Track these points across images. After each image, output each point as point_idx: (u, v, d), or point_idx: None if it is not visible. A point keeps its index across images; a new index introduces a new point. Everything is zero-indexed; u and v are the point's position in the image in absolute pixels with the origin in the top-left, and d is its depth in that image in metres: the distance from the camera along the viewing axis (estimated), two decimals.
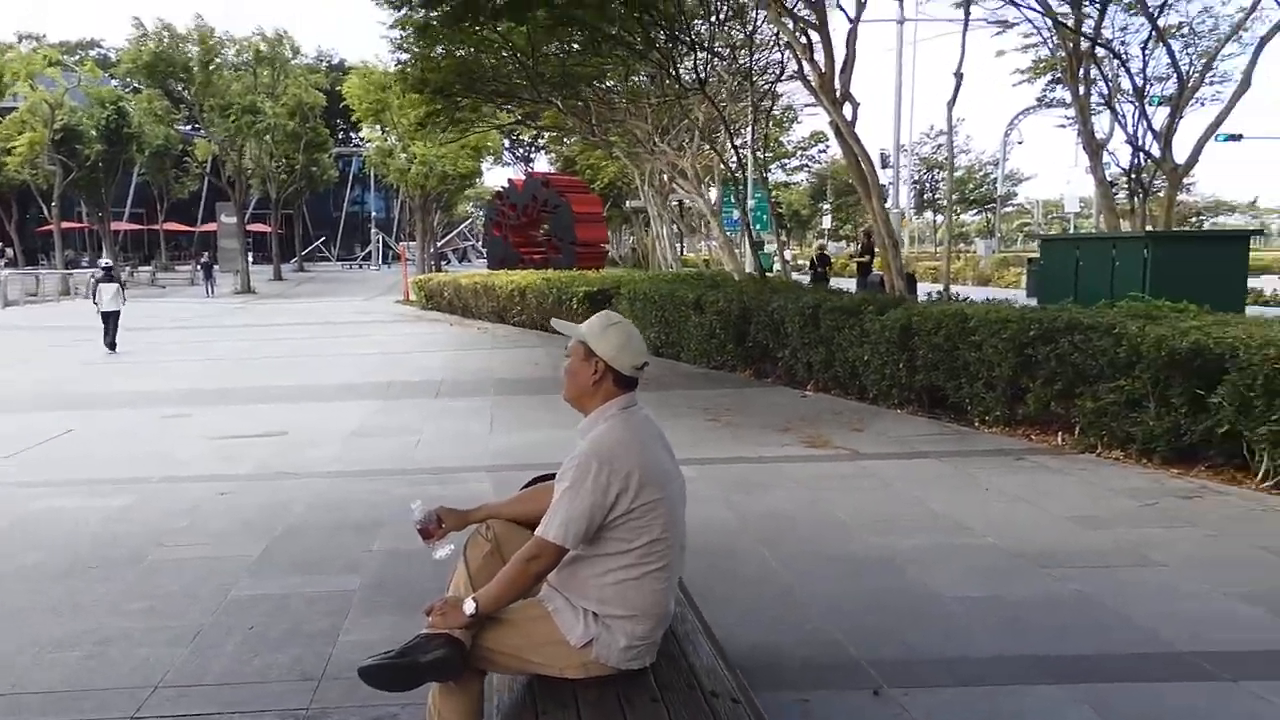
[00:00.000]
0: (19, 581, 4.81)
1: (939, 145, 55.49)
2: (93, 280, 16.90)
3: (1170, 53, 16.02)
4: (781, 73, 18.61)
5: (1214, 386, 6.36)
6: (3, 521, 5.87)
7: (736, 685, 2.53)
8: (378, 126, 37.23)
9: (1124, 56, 16.56)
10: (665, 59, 16.81)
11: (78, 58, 49.82)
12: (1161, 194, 16.86)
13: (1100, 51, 16.07)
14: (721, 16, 17.24)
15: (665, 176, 24.92)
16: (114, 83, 42.49)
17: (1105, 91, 16.52)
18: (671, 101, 19.45)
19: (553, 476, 3.07)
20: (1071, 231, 51.51)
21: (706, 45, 16.57)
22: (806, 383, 10.38)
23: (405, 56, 19.60)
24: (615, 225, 44.73)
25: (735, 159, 17.97)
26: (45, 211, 42.74)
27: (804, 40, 12.69)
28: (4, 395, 11.28)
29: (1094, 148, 16.18)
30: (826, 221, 61.08)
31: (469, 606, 2.52)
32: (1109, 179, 17.01)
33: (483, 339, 16.79)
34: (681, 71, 17.15)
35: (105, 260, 20.78)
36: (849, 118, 12.03)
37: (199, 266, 37.87)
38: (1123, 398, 6.92)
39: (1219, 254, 11.29)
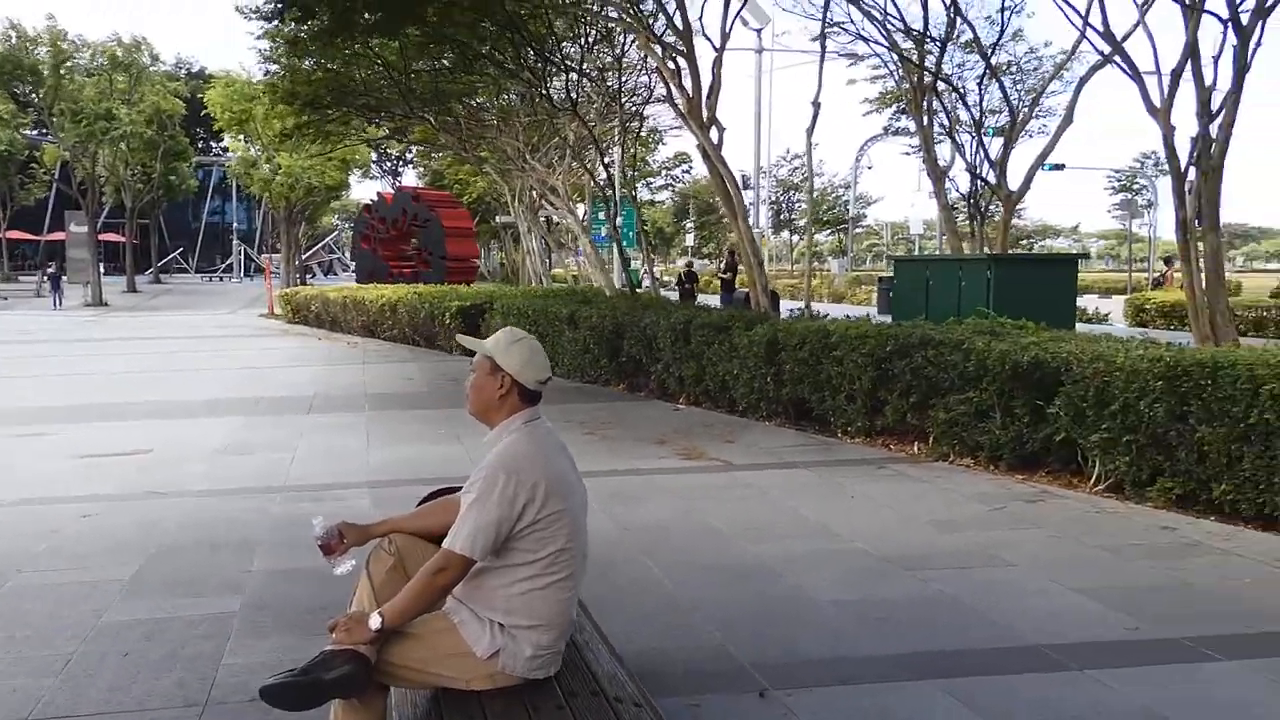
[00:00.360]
0: None
1: (795, 168, 57.50)
2: None
3: (1002, 88, 17.22)
4: (650, 95, 19.02)
5: (1051, 398, 6.90)
6: None
7: (638, 691, 2.66)
8: (241, 136, 35.91)
9: (962, 91, 17.67)
10: (536, 78, 16.95)
11: None
12: (997, 218, 18.06)
13: (941, 85, 17.08)
14: (590, 39, 17.50)
15: (535, 193, 25.00)
16: None
17: (946, 122, 17.56)
18: (542, 120, 19.59)
19: (450, 490, 3.16)
20: (916, 252, 54.24)
21: (576, 67, 16.79)
22: (679, 396, 10.64)
23: (274, 68, 19.13)
24: (484, 240, 44.44)
25: (606, 177, 18.25)
26: None
27: (672, 66, 13.04)
28: None
29: (937, 174, 17.16)
30: (690, 240, 62.31)
31: (374, 621, 2.56)
32: (950, 203, 18.09)
33: (354, 354, 16.44)
34: (552, 91, 17.31)
35: None
36: (715, 141, 12.43)
37: (46, 277, 35.71)
38: (971, 409, 7.42)
39: (1052, 275, 12.20)
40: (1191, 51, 10.59)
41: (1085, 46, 15.81)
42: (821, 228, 65.86)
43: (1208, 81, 10.56)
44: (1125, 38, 11.98)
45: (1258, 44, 10.48)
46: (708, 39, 12.87)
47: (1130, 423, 6.27)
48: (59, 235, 47.00)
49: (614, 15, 15.04)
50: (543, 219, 29.61)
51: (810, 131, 15.24)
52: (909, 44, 16.13)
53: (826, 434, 8.70)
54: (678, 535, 5.66)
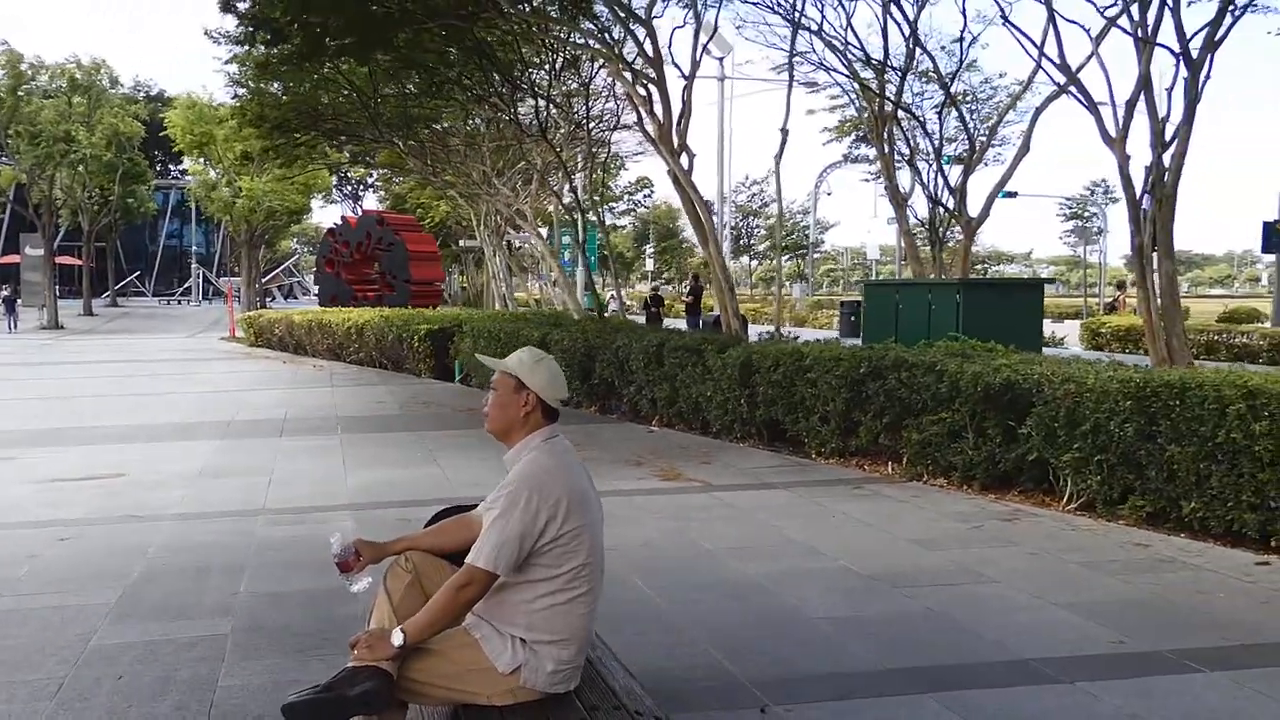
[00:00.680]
0: None
1: (754, 194, 58.16)
2: None
3: (961, 117, 17.63)
4: (617, 123, 19.22)
5: (1023, 419, 7.06)
6: None
7: (655, 706, 2.70)
8: (201, 159, 35.56)
9: (922, 119, 18.08)
10: (504, 104, 17.06)
11: None
12: (951, 243, 18.45)
13: (902, 114, 17.45)
14: (557, 66, 17.68)
15: (501, 217, 25.07)
16: None
17: (906, 150, 17.93)
18: (508, 145, 19.71)
19: (458, 510, 3.19)
20: (874, 277, 55.06)
21: (544, 93, 16.94)
22: (652, 418, 10.70)
23: (241, 92, 19.09)
24: (445, 265, 44.34)
25: (575, 202, 18.39)
26: None
27: (643, 93, 13.20)
28: None
29: (899, 201, 17.50)
30: (649, 264, 62.68)
31: (397, 638, 2.58)
32: (909, 229, 18.44)
33: (321, 377, 16.31)
34: (520, 117, 17.44)
35: None
36: (686, 167, 12.58)
37: (0, 300, 34.96)
38: (945, 430, 7.56)
39: (1020, 300, 12.49)
40: (1144, 83, 10.96)
41: (1040, 77, 16.35)
42: (782, 253, 66.66)
43: (1161, 112, 10.93)
44: (1079, 69, 12.37)
45: (1207, 76, 10.89)
46: (676, 66, 13.05)
47: (1101, 442, 6.43)
48: (14, 258, 46.15)
49: (585, 43, 15.20)
50: (505, 243, 29.70)
51: (779, 158, 15.54)
52: (869, 73, 16.51)
53: (800, 455, 8.81)
54: (666, 555, 5.71)
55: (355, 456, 8.84)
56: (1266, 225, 22.69)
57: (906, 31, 15.61)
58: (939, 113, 18.40)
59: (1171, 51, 10.77)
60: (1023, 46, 13.21)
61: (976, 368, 7.51)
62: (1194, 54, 10.74)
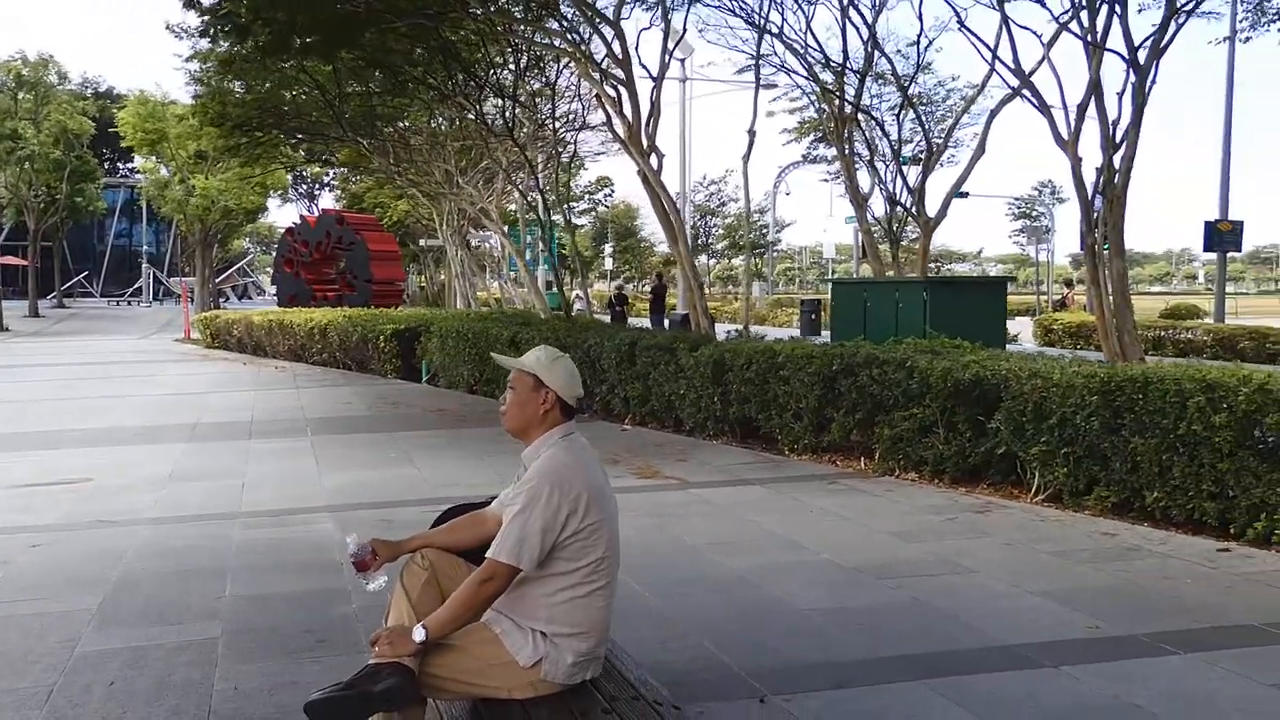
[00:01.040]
0: None
1: (712, 194, 58.45)
2: None
3: (920, 119, 17.93)
4: (583, 123, 19.25)
5: (992, 413, 7.23)
6: None
7: (670, 695, 2.76)
8: (153, 157, 34.84)
9: (881, 121, 18.35)
10: (469, 103, 17.01)
11: None
12: (905, 241, 18.79)
13: (861, 116, 17.68)
14: (521, 65, 17.66)
15: (467, 216, 24.97)
16: None
17: (865, 152, 18.19)
18: (472, 144, 19.65)
19: (467, 508, 3.23)
20: (830, 275, 55.60)
21: (509, 93, 16.92)
22: (624, 417, 10.76)
23: (201, 90, 18.79)
24: (404, 264, 44.00)
25: (541, 201, 18.39)
26: None
27: (612, 94, 13.25)
28: None
29: (859, 201, 17.73)
30: (608, 264, 62.68)
31: (418, 634, 2.61)
32: (869, 228, 18.71)
33: (284, 378, 16.11)
34: (485, 116, 17.40)
35: None
36: (655, 167, 12.66)
37: None
38: (915, 425, 7.71)
39: (984, 297, 12.75)
40: (1095, 87, 11.25)
41: (995, 80, 16.69)
42: (738, 252, 67.09)
43: (1111, 116, 11.23)
44: (1032, 72, 12.65)
45: (1153, 81, 11.21)
46: (644, 68, 13.11)
47: (1068, 435, 6.62)
48: None
49: (552, 43, 15.21)
50: (465, 241, 29.58)
51: (746, 158, 15.70)
52: (829, 75, 16.71)
53: (774, 452, 8.92)
54: (650, 551, 5.76)
55: (328, 458, 8.78)
56: (1208, 225, 23.31)
57: (865, 35, 15.83)
58: (897, 115, 18.70)
59: (1121, 56, 11.07)
60: (978, 50, 13.52)
61: (946, 364, 7.66)
62: (1141, 59, 11.05)
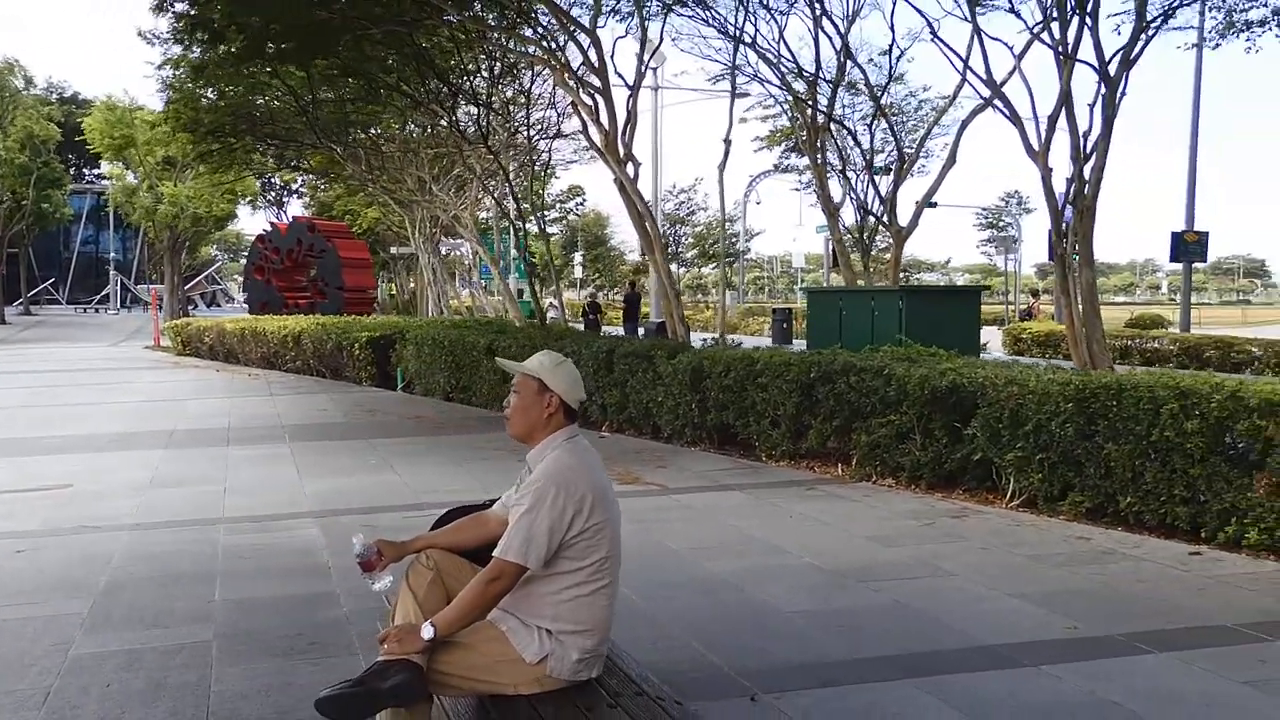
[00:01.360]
0: None
1: (681, 202, 58.73)
2: None
3: (892, 129, 18.18)
4: (557, 131, 19.34)
5: (968, 420, 7.37)
6: None
7: (672, 691, 2.84)
8: (121, 163, 34.46)
9: (854, 131, 18.60)
10: (442, 110, 17.04)
11: None
12: (874, 251, 19.03)
13: (834, 125, 17.91)
14: (496, 73, 17.73)
15: (439, 223, 24.94)
16: None
17: (837, 161, 18.41)
18: (445, 151, 19.67)
19: (466, 510, 3.29)
20: (800, 284, 56.01)
21: (483, 100, 16.97)
22: (602, 424, 10.82)
23: (173, 95, 18.66)
24: (374, 272, 43.79)
25: (515, 206, 18.43)
26: None
27: (589, 102, 13.34)
28: None
29: (831, 210, 17.95)
30: (578, 271, 62.75)
31: (427, 631, 2.67)
32: (841, 237, 18.92)
33: (258, 385, 16.01)
34: (459, 123, 17.43)
35: None
36: (631, 175, 12.75)
37: None
38: (892, 431, 7.84)
39: (958, 306, 12.96)
40: (1065, 98, 11.48)
41: (966, 91, 16.94)
42: (708, 261, 67.46)
43: (1082, 127, 11.47)
44: (1003, 83, 12.89)
45: (1123, 93, 11.47)
46: (620, 76, 13.23)
47: (1043, 442, 6.77)
48: None
49: (526, 50, 15.28)
50: (436, 249, 29.53)
51: (722, 167, 15.88)
52: (801, 85, 16.93)
53: (751, 458, 9.02)
54: (634, 555, 5.80)
55: (308, 465, 8.77)
56: (1175, 235, 23.79)
57: (838, 45, 16.05)
58: (869, 124, 18.96)
59: (1092, 67, 11.32)
60: (950, 61, 13.71)
61: (923, 371, 7.80)
62: (1111, 71, 11.31)
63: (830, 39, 16.04)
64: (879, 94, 17.72)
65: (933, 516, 6.82)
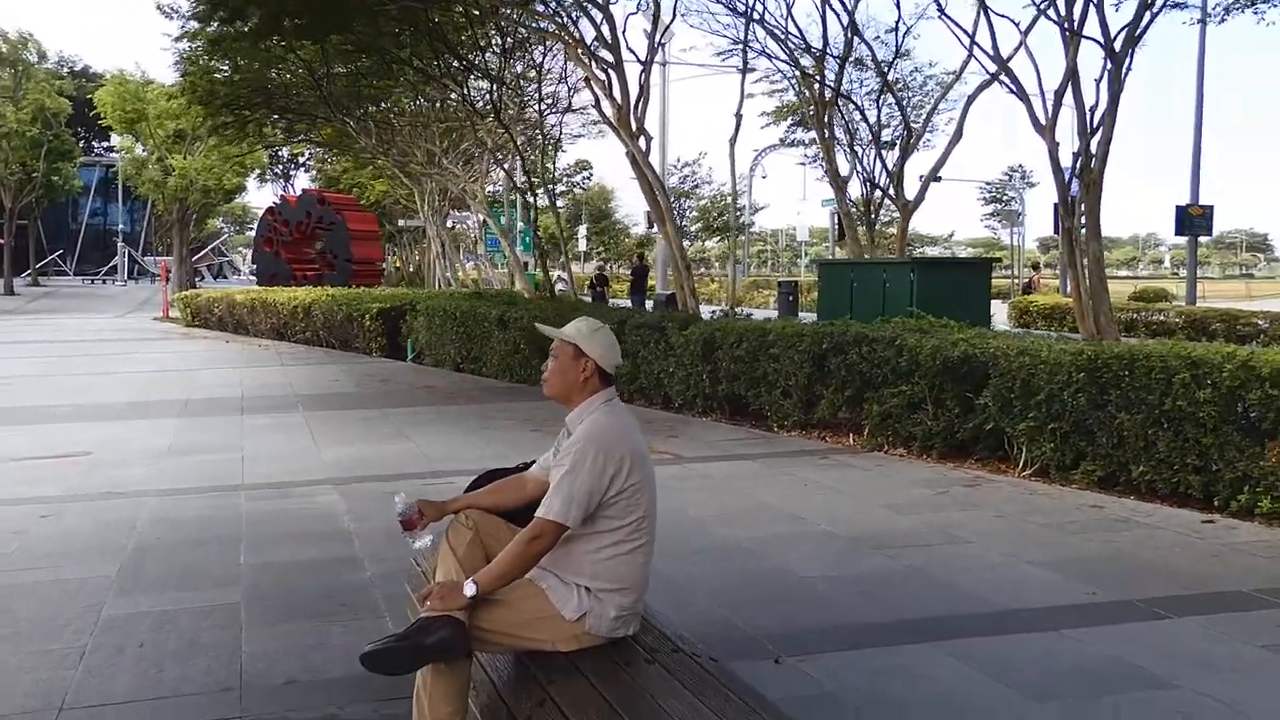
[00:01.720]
0: None
1: (685, 176, 58.53)
2: None
3: (900, 104, 18.10)
4: (568, 106, 19.28)
5: (980, 390, 7.42)
6: None
7: (706, 648, 2.89)
8: (131, 136, 34.40)
9: (861, 106, 18.51)
10: (455, 84, 16.99)
11: None
12: (878, 225, 18.99)
13: (841, 100, 17.81)
14: (506, 47, 17.65)
15: (448, 196, 24.91)
16: None
17: (844, 136, 18.32)
18: (456, 125, 19.63)
19: (502, 473, 3.34)
20: (804, 257, 55.81)
21: (495, 74, 16.91)
22: None
23: (189, 69, 18.65)
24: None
25: (526, 181, 18.42)
26: None
27: (602, 77, 13.29)
28: None
29: (839, 185, 17.89)
30: (583, 245, 62.60)
31: (469, 588, 2.71)
32: (848, 211, 18.88)
33: (269, 356, 16.09)
34: (472, 96, 17.39)
35: None
36: (644, 149, 12.73)
37: None
38: (905, 401, 7.88)
39: (969, 278, 12.96)
40: (1072, 74, 11.43)
41: (972, 66, 16.85)
42: (713, 234, 67.32)
43: (1089, 102, 11.42)
44: (1009, 58, 12.81)
45: (1128, 69, 11.40)
46: (632, 51, 13.15)
47: (1055, 411, 6.81)
48: None
49: (540, 26, 15.21)
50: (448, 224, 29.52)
51: (733, 141, 15.87)
52: (809, 60, 16.82)
53: (763, 428, 9.07)
54: (658, 522, 5.88)
55: (324, 433, 8.83)
56: (1179, 209, 23.71)
57: (845, 21, 15.93)
58: (876, 100, 18.85)
59: (1099, 44, 11.25)
60: (956, 37, 13.62)
61: (935, 342, 7.84)
62: (1117, 47, 11.24)
63: (838, 15, 15.93)
64: (885, 70, 17.61)
65: (946, 485, 6.88)
